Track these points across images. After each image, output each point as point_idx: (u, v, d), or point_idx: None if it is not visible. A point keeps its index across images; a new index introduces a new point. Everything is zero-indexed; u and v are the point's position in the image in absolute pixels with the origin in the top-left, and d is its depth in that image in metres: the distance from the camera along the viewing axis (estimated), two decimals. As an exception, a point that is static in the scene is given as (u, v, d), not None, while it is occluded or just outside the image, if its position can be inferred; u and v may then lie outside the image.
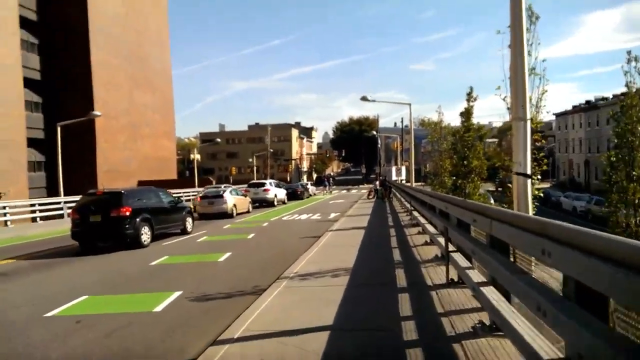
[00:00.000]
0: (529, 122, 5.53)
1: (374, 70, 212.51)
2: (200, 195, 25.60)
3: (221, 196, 22.88)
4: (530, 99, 7.06)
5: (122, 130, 49.09)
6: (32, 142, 40.60)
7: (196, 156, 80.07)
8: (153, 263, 10.48)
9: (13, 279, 9.46)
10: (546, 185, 65.81)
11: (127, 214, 12.81)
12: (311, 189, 49.66)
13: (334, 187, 63.09)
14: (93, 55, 44.61)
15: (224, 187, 28.45)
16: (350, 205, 28.18)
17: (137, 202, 13.54)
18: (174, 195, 32.21)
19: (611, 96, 55.80)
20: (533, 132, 8.51)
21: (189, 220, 16.52)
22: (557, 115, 65.83)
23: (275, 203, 31.17)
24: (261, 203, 30.18)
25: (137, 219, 13.05)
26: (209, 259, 10.70)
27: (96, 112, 26.40)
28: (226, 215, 22.24)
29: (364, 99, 24.08)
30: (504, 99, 8.62)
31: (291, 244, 12.58)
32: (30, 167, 40.21)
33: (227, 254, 11.07)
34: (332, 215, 21.71)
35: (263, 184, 32.22)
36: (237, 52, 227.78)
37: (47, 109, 41.56)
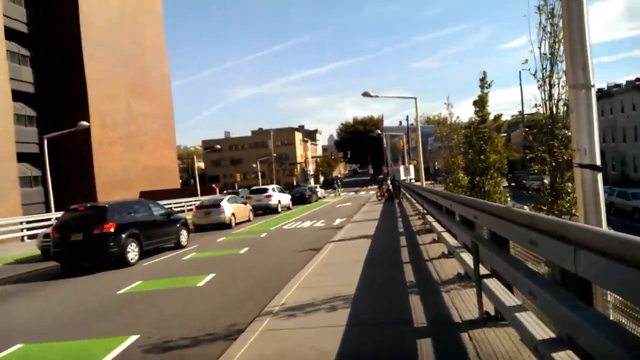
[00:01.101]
0: (594, 91, 3.84)
1: (377, 70, 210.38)
2: (196, 205, 23.90)
3: (218, 205, 21.19)
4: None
5: (119, 141, 47.81)
6: (26, 157, 39.40)
7: (197, 164, 78.72)
8: (121, 291, 8.88)
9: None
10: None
11: (111, 230, 11.73)
12: (320, 191, 48.85)
13: (342, 189, 61.82)
14: (87, 66, 43.44)
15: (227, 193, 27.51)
16: (357, 208, 26.47)
17: (123, 216, 12.50)
18: (167, 206, 30.88)
19: (624, 82, 53.70)
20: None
21: (184, 233, 15.33)
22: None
23: (279, 209, 29.42)
24: (265, 210, 28.64)
25: (123, 236, 11.98)
26: (187, 284, 9.07)
27: (84, 123, 24.94)
28: (224, 225, 20.67)
29: (365, 94, 22.45)
30: (534, 75, 6.98)
31: (286, 260, 10.93)
32: (26, 182, 39.02)
33: (210, 276, 9.44)
34: (337, 221, 20.02)
35: (265, 190, 30.44)
36: (241, 59, 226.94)
37: (42, 123, 40.28)
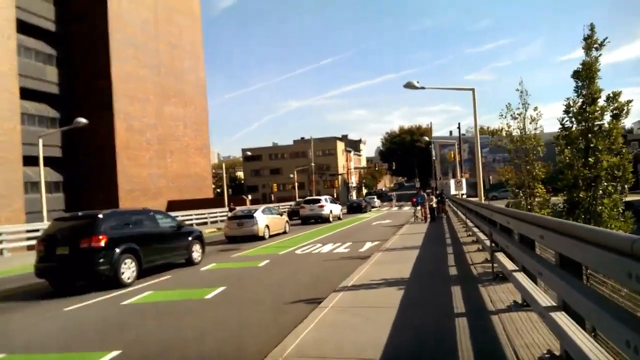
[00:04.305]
0: None
1: (427, 83, 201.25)
2: (229, 215, 22.98)
3: (251, 216, 20.36)
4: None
5: (148, 146, 45.26)
6: (48, 161, 37.43)
7: (237, 174, 76.01)
8: None
9: None
10: (636, 197, 54.85)
11: (102, 244, 10.01)
12: (377, 202, 57.42)
13: (398, 202, 62.01)
14: (114, 66, 41.15)
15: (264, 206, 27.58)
16: (396, 229, 21.67)
17: (119, 228, 10.79)
18: (185, 217, 27.33)
19: None
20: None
21: (197, 247, 13.52)
22: (646, 114, 55.62)
23: (331, 219, 30.32)
24: (316, 219, 29.82)
25: (117, 251, 10.24)
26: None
27: (81, 120, 21.69)
28: (257, 237, 19.91)
29: (408, 85, 17.87)
30: None
31: (253, 326, 6.47)
32: (45, 187, 36.96)
33: (109, 356, 5.21)
34: (367, 246, 15.39)
35: (318, 200, 31.45)
36: (292, 72, 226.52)
37: (66, 125, 38.29)
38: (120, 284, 10.09)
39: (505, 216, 6.35)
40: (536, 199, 12.48)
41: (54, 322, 7.49)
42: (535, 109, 12.92)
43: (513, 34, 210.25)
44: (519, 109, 13.14)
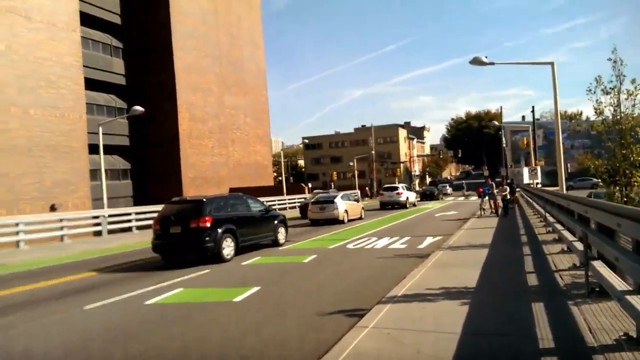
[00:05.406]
0: None
1: (496, 66, 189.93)
2: (312, 200, 24.58)
3: (332, 201, 22.15)
4: None
5: (210, 135, 45.75)
6: (117, 150, 38.87)
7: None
8: None
9: None
10: None
11: (208, 225, 11.38)
12: (449, 189, 58.91)
13: (468, 192, 59.33)
14: (176, 57, 41.70)
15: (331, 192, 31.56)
16: (461, 222, 19.73)
17: (220, 211, 12.11)
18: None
19: None
20: None
21: (282, 230, 14.68)
22: None
23: (407, 205, 32.99)
24: (393, 205, 32.54)
25: (219, 231, 11.60)
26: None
27: (138, 108, 21.68)
28: (337, 221, 21.67)
29: (475, 61, 15.90)
30: None
31: (270, 347, 5.25)
32: (114, 175, 38.43)
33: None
34: (427, 241, 13.77)
35: (396, 188, 34.06)
36: (354, 61, 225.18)
37: (132, 115, 39.36)
38: (222, 259, 11.41)
39: (612, 215, 4.66)
40: (634, 190, 10.37)
41: (62, 325, 6.74)
42: (633, 81, 10.67)
43: (591, 11, 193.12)
44: (611, 82, 10.95)
